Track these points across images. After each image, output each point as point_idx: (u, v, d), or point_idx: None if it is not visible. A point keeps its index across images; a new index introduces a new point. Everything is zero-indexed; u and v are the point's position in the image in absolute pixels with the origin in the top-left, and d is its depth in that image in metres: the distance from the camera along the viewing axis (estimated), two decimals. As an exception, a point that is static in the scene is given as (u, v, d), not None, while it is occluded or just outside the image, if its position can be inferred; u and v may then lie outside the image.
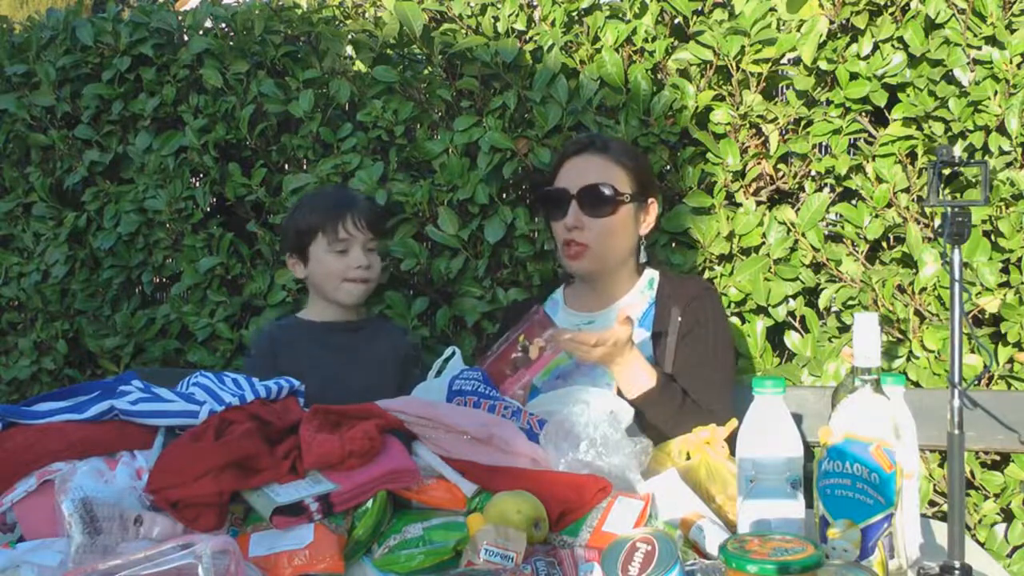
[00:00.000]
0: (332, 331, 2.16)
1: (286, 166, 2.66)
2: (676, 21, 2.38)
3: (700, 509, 1.37)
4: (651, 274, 2.04)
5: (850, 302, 2.21)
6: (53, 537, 1.26)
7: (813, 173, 2.31)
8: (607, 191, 1.92)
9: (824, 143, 2.27)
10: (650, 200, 2.02)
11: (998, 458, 2.17)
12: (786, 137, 2.30)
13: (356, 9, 2.73)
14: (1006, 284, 2.12)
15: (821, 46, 2.23)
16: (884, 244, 2.28)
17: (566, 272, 2.09)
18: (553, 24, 2.40)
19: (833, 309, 2.28)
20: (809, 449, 1.34)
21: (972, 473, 2.16)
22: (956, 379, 1.30)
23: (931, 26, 2.19)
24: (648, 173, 2.06)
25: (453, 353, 1.85)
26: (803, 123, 2.28)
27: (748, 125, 2.30)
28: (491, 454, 1.45)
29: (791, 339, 2.26)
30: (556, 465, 1.45)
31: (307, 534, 1.26)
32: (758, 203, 2.32)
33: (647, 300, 1.99)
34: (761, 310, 2.27)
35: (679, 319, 1.92)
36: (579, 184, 1.93)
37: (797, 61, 2.29)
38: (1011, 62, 2.10)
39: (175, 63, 2.67)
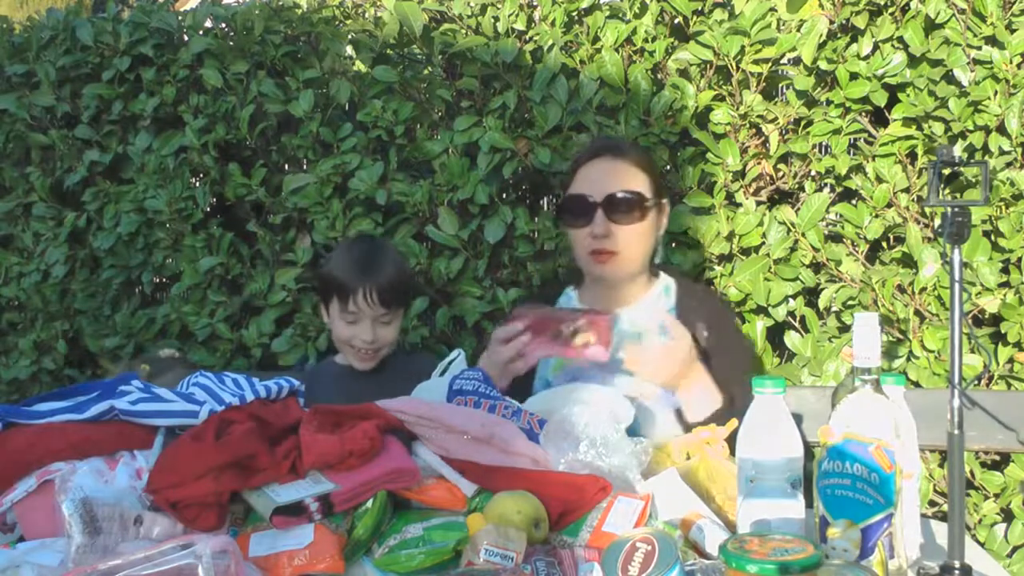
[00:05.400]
0: (348, 376, 2.15)
1: (286, 166, 2.66)
2: (676, 21, 2.38)
3: (700, 509, 1.37)
4: (666, 281, 2.02)
5: (850, 302, 2.21)
6: (53, 537, 1.27)
7: (813, 173, 2.31)
8: (634, 198, 1.89)
9: (824, 143, 2.27)
10: (664, 200, 2.01)
11: (998, 458, 2.17)
12: (786, 137, 2.30)
13: (356, 9, 2.73)
14: (1006, 284, 2.12)
15: (821, 46, 2.23)
16: (884, 244, 2.28)
17: (569, 273, 2.08)
18: (553, 24, 2.40)
19: (833, 309, 2.28)
20: (809, 449, 1.34)
21: (972, 473, 2.16)
22: (956, 379, 1.30)
23: (931, 26, 2.19)
24: (659, 173, 2.05)
25: (458, 355, 1.85)
26: (803, 123, 2.28)
27: (748, 125, 2.30)
28: (491, 454, 1.45)
29: (791, 339, 2.26)
30: (556, 465, 1.45)
31: (307, 534, 1.26)
32: (758, 203, 2.32)
33: (665, 307, 1.98)
34: (761, 310, 2.27)
35: (705, 334, 1.90)
36: (603, 191, 1.89)
37: (797, 61, 2.29)
38: (1011, 62, 2.10)
39: (175, 63, 2.67)
